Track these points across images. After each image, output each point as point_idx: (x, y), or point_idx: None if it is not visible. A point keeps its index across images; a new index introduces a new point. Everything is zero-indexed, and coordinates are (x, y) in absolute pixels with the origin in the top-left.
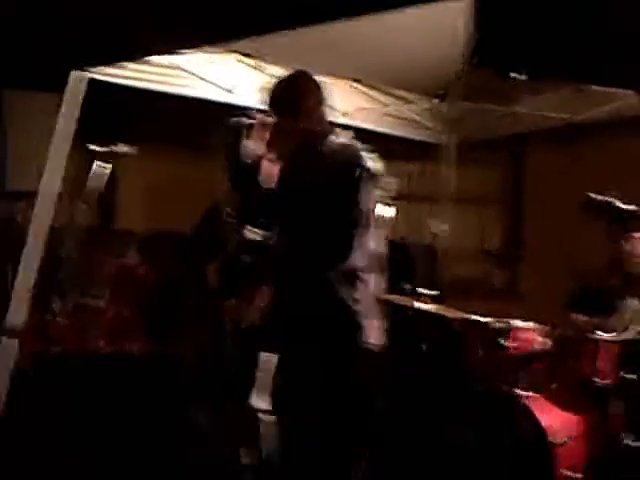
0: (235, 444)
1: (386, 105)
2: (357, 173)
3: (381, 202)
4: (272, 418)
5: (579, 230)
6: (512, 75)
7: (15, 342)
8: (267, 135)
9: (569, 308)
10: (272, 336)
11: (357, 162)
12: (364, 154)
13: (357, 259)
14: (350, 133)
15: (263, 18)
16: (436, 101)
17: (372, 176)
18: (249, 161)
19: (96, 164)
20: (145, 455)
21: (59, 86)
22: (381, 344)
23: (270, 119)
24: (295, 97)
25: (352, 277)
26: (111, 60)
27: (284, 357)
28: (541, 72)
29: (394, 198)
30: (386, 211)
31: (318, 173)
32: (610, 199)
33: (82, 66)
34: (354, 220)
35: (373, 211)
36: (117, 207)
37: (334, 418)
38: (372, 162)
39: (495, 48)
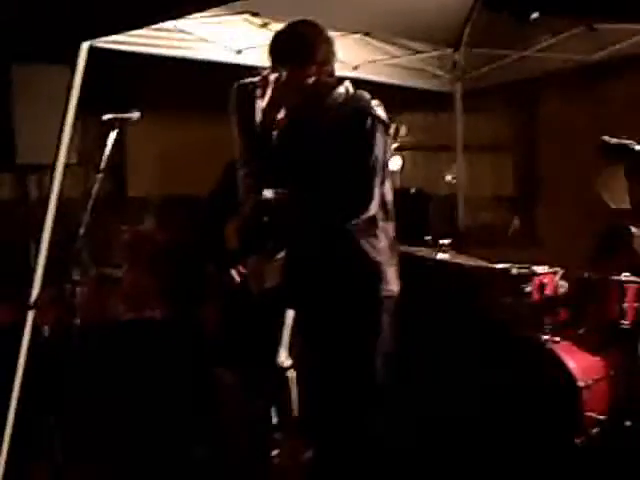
0: (264, 402)
1: (396, 56)
2: (369, 122)
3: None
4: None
5: (595, 173)
6: (530, 16)
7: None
8: (276, 91)
9: (594, 251)
10: (293, 292)
11: (368, 112)
12: (373, 103)
13: (375, 208)
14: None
15: None
16: (449, 50)
17: (383, 125)
18: (262, 120)
19: (109, 133)
20: (173, 417)
21: (66, 57)
22: (398, 291)
23: (279, 74)
24: (300, 44)
25: (372, 227)
26: (119, 29)
27: (307, 312)
28: (553, 11)
29: (409, 148)
30: (396, 160)
31: (331, 125)
32: (627, 141)
33: (90, 36)
34: (370, 169)
35: (387, 160)
36: (130, 175)
37: (355, 369)
38: (381, 110)
39: None
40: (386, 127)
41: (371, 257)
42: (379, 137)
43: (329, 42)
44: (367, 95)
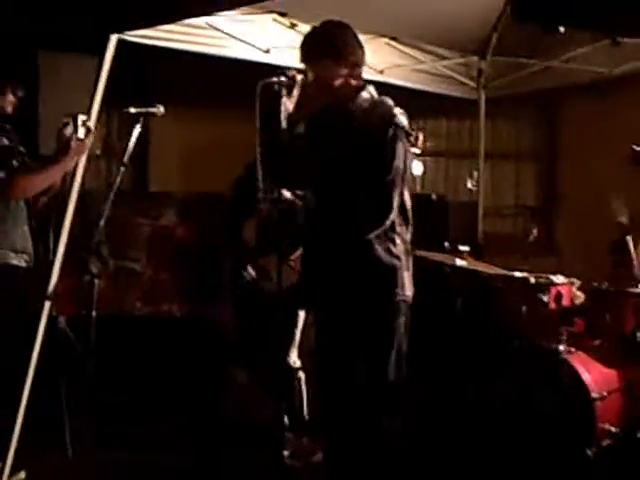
0: (275, 401)
1: (421, 62)
2: (391, 132)
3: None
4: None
5: (615, 183)
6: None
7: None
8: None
9: (612, 262)
10: (309, 294)
11: (391, 121)
12: (396, 111)
13: (393, 217)
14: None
15: None
16: (475, 58)
17: (406, 133)
18: (286, 121)
19: (133, 126)
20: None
21: (94, 48)
22: (412, 296)
23: (306, 76)
24: (333, 43)
25: (389, 231)
26: (149, 23)
27: (322, 315)
28: (578, 24)
29: (431, 154)
30: (417, 165)
31: (354, 132)
32: None
33: (120, 29)
34: (390, 182)
35: (408, 167)
36: (152, 169)
37: (370, 373)
38: (404, 118)
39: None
40: (408, 135)
41: (387, 261)
42: (400, 147)
43: (360, 44)
44: (390, 102)
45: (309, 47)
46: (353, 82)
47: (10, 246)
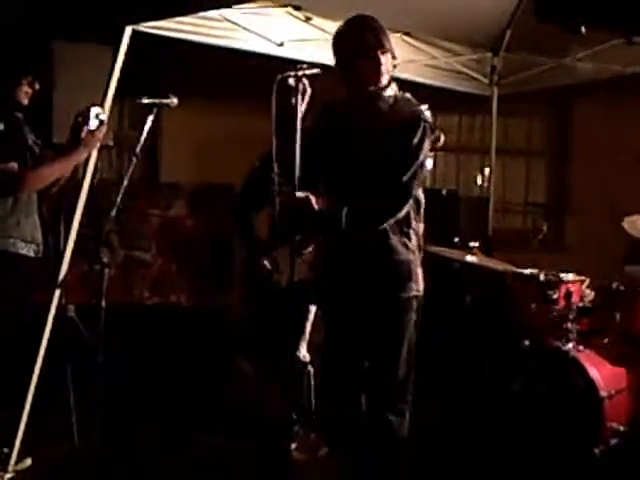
0: (283, 394)
1: (435, 57)
2: (421, 130)
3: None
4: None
5: (626, 181)
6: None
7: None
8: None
9: (623, 260)
10: (323, 289)
11: (421, 118)
12: (423, 108)
13: (409, 207)
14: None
15: None
16: (488, 54)
17: (431, 130)
18: (300, 115)
19: (145, 116)
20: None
21: (109, 39)
22: (422, 291)
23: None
24: (359, 41)
25: (406, 227)
26: (164, 15)
27: (335, 307)
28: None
29: (442, 149)
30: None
31: (382, 128)
32: None
33: (135, 20)
34: (413, 174)
35: (424, 163)
36: (163, 160)
37: (382, 368)
38: (429, 115)
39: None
40: (432, 132)
41: (403, 256)
42: (427, 143)
43: (385, 38)
44: (413, 98)
45: (335, 42)
46: (387, 76)
47: (21, 236)
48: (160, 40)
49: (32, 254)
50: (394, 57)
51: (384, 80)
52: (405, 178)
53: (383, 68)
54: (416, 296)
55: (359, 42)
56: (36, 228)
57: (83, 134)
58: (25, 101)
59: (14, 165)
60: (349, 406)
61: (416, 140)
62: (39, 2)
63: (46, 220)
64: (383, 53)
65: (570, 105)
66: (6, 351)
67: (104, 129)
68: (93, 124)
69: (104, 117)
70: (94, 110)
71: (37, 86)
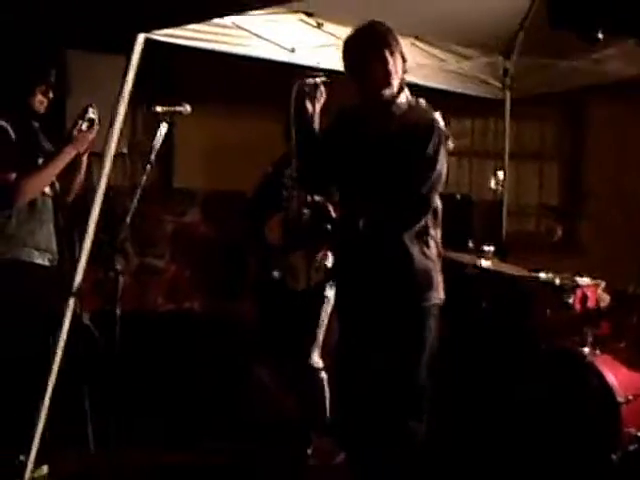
0: (298, 400)
1: (446, 61)
2: (436, 138)
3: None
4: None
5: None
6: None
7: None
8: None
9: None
10: (344, 295)
11: (435, 125)
12: (436, 115)
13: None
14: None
15: None
16: (500, 58)
17: (446, 137)
18: (314, 122)
19: (159, 124)
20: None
21: (122, 47)
22: (443, 299)
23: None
24: (367, 43)
25: (425, 235)
26: (176, 22)
27: (356, 315)
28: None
29: (456, 153)
30: None
31: (396, 136)
32: None
33: (147, 28)
34: (432, 184)
35: (443, 170)
36: (177, 166)
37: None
38: (441, 120)
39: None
40: (447, 138)
41: (423, 264)
42: (443, 152)
43: (398, 47)
44: (425, 104)
45: (346, 49)
46: (397, 80)
47: (35, 245)
48: (173, 47)
49: (47, 263)
50: (404, 60)
51: (394, 83)
52: (424, 190)
53: (391, 68)
54: (437, 304)
55: (367, 46)
56: (51, 237)
57: (75, 133)
58: (41, 109)
59: (12, 175)
60: (366, 412)
61: (431, 149)
62: (51, 12)
63: (62, 228)
64: (392, 54)
65: (584, 108)
66: (22, 359)
67: (95, 129)
68: (84, 124)
69: (94, 116)
70: (90, 110)
71: (51, 94)
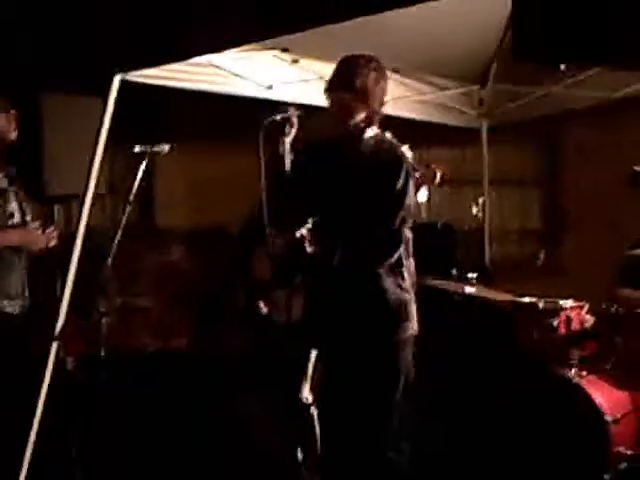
0: (288, 437)
1: (423, 93)
2: (403, 174)
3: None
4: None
5: (620, 205)
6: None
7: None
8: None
9: (618, 283)
10: (317, 331)
11: (402, 161)
12: (404, 149)
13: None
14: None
15: (302, 13)
16: (475, 87)
17: (414, 170)
18: (289, 158)
19: (138, 164)
20: (196, 449)
21: (98, 89)
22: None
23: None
24: (350, 73)
25: (398, 267)
26: (152, 63)
27: (332, 350)
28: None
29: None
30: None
31: (364, 172)
32: None
33: (122, 69)
34: (401, 220)
35: (412, 203)
36: (158, 205)
37: (380, 409)
38: (409, 154)
39: (533, 38)
40: (415, 171)
41: (398, 296)
42: (411, 187)
43: (380, 77)
44: (392, 139)
45: (330, 80)
46: (364, 113)
47: (5, 294)
48: (149, 87)
49: (18, 310)
50: (384, 94)
51: (360, 114)
52: (395, 225)
53: (356, 101)
54: (412, 334)
55: (335, 75)
56: (21, 282)
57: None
58: (12, 135)
59: None
60: (349, 447)
61: (400, 184)
62: (25, 54)
63: (34, 271)
64: (364, 85)
65: (560, 132)
66: (3, 409)
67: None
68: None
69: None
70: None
71: (13, 111)
